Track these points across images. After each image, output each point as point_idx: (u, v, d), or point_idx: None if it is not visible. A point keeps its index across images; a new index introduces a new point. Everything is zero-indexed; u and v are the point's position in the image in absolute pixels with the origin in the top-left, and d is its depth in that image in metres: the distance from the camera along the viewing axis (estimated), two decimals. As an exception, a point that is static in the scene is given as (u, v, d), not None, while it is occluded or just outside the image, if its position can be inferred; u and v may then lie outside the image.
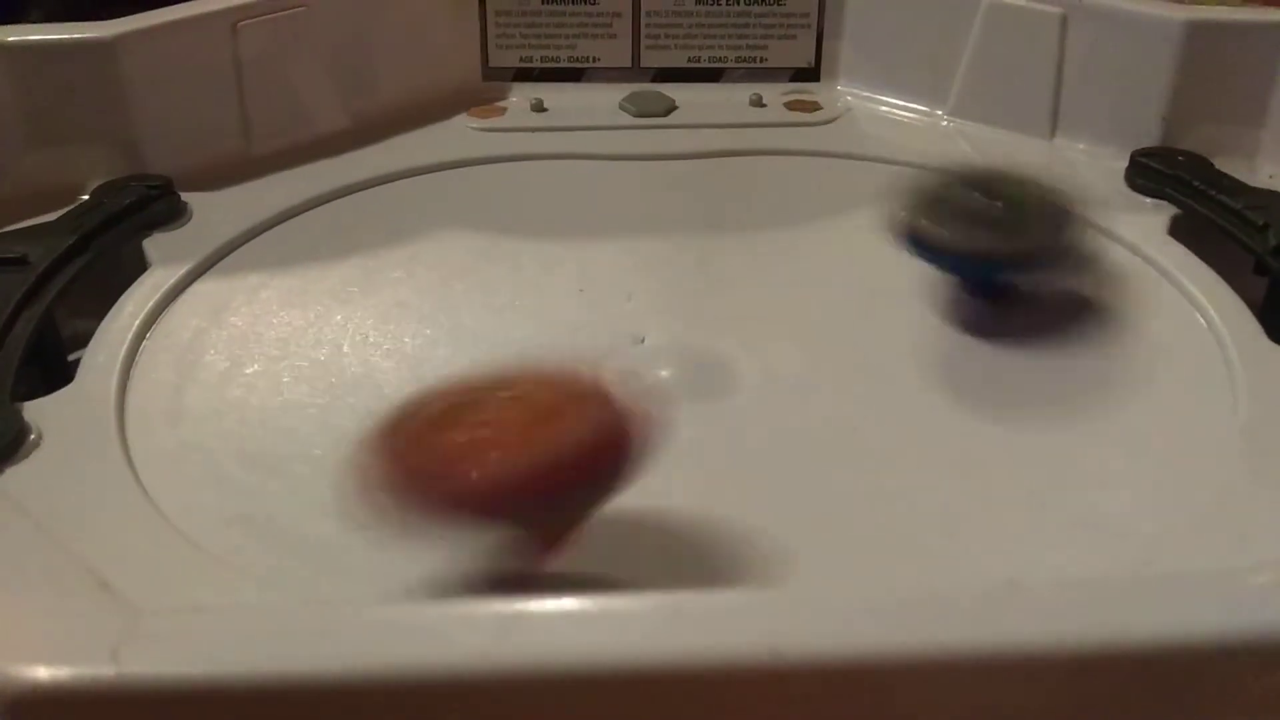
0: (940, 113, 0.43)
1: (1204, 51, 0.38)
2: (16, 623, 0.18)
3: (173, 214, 0.36)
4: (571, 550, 0.22)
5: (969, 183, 0.32)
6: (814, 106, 0.44)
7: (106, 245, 0.34)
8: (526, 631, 0.17)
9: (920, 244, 0.31)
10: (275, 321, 0.32)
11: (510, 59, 0.44)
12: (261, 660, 0.17)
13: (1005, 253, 0.31)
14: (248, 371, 0.30)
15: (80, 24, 0.37)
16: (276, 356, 0.31)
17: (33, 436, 0.27)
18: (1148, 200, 0.37)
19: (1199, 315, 0.32)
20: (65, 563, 0.19)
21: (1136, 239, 0.35)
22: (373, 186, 0.39)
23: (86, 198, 0.36)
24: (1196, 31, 0.38)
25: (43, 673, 0.17)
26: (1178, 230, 0.36)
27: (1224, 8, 0.39)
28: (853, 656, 0.17)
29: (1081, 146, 0.40)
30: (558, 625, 0.18)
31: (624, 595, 0.18)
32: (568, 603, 0.18)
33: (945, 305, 0.32)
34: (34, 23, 0.37)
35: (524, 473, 0.21)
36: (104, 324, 0.31)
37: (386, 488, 0.21)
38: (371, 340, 0.31)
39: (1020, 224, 0.31)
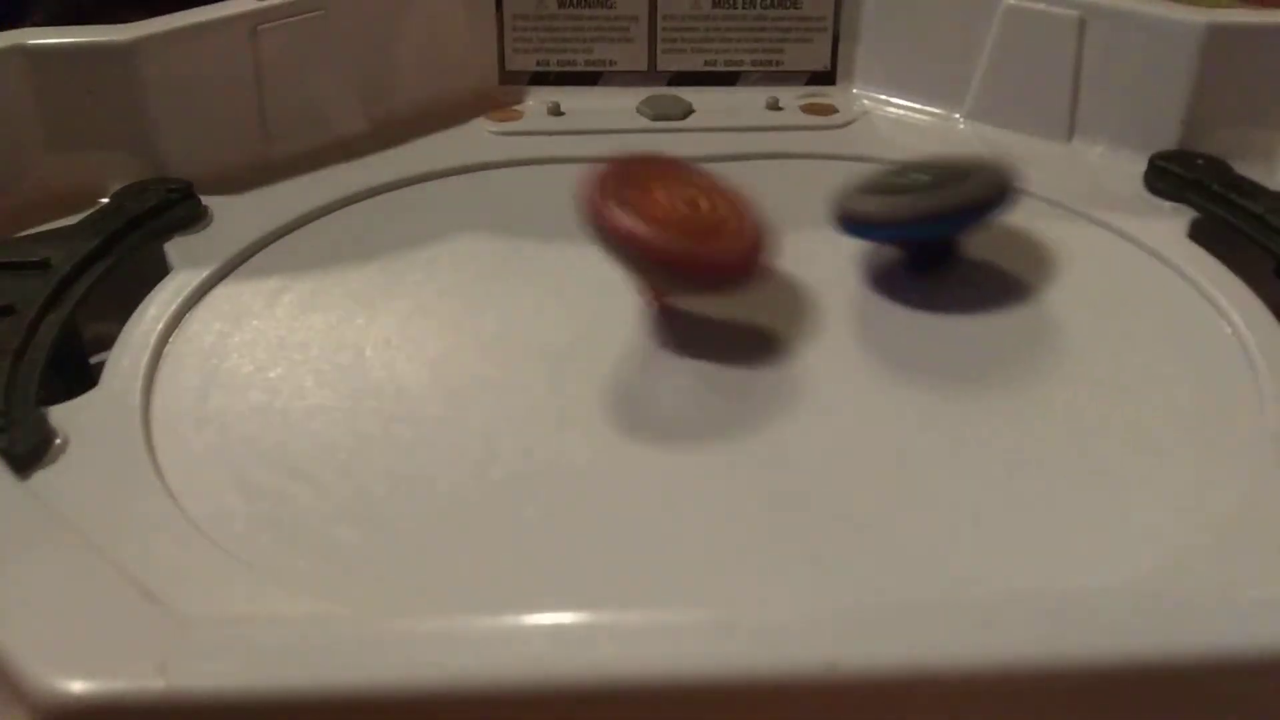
0: (957, 116, 0.43)
1: (1223, 54, 0.38)
2: (60, 633, 0.18)
3: (193, 217, 0.36)
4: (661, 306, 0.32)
5: (909, 168, 0.34)
6: (830, 110, 0.44)
7: (128, 249, 0.34)
8: (583, 644, 0.17)
9: (849, 223, 0.33)
10: (297, 325, 0.32)
11: (527, 63, 0.44)
12: (312, 672, 0.17)
13: (922, 211, 0.32)
14: (271, 375, 0.30)
15: (100, 27, 0.37)
16: (299, 360, 0.31)
17: (59, 441, 0.27)
18: (1166, 204, 0.37)
19: (1222, 319, 0.32)
20: (105, 570, 0.19)
21: (1156, 243, 0.35)
22: (392, 190, 0.39)
23: (106, 201, 0.36)
24: (1216, 34, 0.38)
25: (89, 686, 0.17)
26: (1197, 234, 0.36)
27: (1241, 11, 0.39)
28: (908, 668, 0.17)
29: (1099, 150, 0.40)
30: (613, 639, 0.17)
31: (678, 610, 0.18)
32: (623, 616, 0.17)
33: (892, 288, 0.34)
34: (34, 26, 0.37)
35: (682, 254, 0.30)
36: (127, 328, 0.31)
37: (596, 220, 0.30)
38: (394, 344, 0.31)
39: (937, 187, 0.32)
